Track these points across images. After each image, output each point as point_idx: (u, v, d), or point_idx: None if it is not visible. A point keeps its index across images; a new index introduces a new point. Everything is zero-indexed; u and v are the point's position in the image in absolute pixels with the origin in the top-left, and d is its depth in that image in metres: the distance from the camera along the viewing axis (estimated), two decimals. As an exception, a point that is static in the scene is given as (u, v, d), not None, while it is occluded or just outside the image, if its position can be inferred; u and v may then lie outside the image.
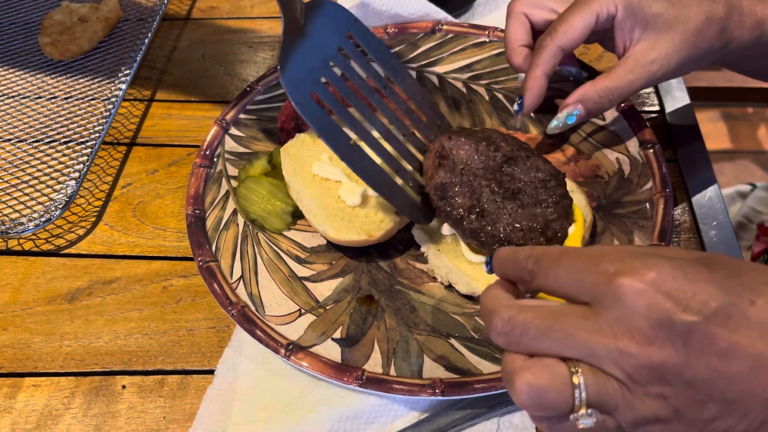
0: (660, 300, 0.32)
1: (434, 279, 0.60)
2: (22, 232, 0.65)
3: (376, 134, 0.57)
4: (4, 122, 0.77)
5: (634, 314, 0.33)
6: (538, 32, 0.63)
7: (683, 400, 0.33)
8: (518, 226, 0.54)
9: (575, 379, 0.34)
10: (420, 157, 0.60)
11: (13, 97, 0.80)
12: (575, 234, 0.56)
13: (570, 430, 0.35)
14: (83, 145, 0.72)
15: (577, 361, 0.34)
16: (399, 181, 0.58)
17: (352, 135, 0.56)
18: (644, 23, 0.56)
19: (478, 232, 0.54)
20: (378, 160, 0.56)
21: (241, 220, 0.64)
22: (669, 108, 0.77)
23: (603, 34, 0.61)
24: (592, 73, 0.69)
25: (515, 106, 0.62)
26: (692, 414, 0.33)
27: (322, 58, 0.56)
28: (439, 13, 0.80)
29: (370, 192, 0.61)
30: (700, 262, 0.34)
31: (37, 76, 0.83)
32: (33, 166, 0.72)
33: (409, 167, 0.59)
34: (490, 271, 0.42)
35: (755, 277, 0.34)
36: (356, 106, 0.56)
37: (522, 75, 0.64)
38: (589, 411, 0.34)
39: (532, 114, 0.70)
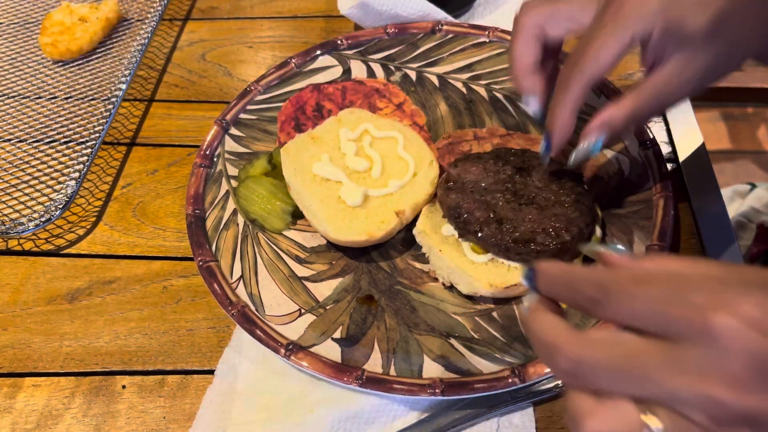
0: (759, 340, 0.28)
1: (435, 279, 0.60)
2: (22, 232, 0.65)
3: None
4: (4, 122, 0.77)
5: (729, 356, 0.28)
6: (550, 49, 0.56)
7: None
8: (540, 227, 0.54)
9: (650, 422, 0.30)
10: None
11: (13, 97, 0.80)
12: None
13: None
14: (83, 145, 0.72)
15: (653, 405, 0.30)
16: None
17: None
18: (679, 40, 0.48)
19: (500, 241, 0.54)
20: None
21: (241, 220, 0.64)
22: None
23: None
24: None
25: (541, 148, 0.55)
26: None
27: None
28: (439, 13, 0.80)
29: (371, 192, 0.61)
30: None
31: (37, 76, 0.83)
32: (33, 166, 0.72)
33: None
34: (533, 287, 0.37)
35: None
36: None
37: (529, 98, 0.56)
38: None
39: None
